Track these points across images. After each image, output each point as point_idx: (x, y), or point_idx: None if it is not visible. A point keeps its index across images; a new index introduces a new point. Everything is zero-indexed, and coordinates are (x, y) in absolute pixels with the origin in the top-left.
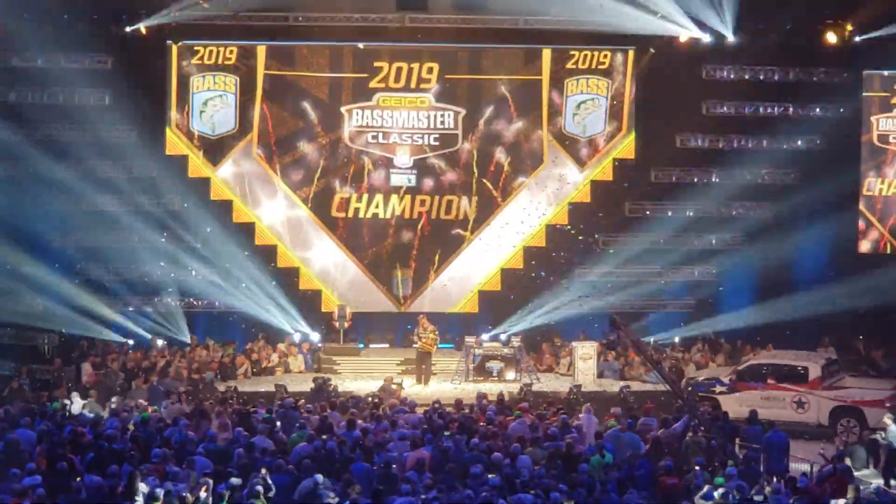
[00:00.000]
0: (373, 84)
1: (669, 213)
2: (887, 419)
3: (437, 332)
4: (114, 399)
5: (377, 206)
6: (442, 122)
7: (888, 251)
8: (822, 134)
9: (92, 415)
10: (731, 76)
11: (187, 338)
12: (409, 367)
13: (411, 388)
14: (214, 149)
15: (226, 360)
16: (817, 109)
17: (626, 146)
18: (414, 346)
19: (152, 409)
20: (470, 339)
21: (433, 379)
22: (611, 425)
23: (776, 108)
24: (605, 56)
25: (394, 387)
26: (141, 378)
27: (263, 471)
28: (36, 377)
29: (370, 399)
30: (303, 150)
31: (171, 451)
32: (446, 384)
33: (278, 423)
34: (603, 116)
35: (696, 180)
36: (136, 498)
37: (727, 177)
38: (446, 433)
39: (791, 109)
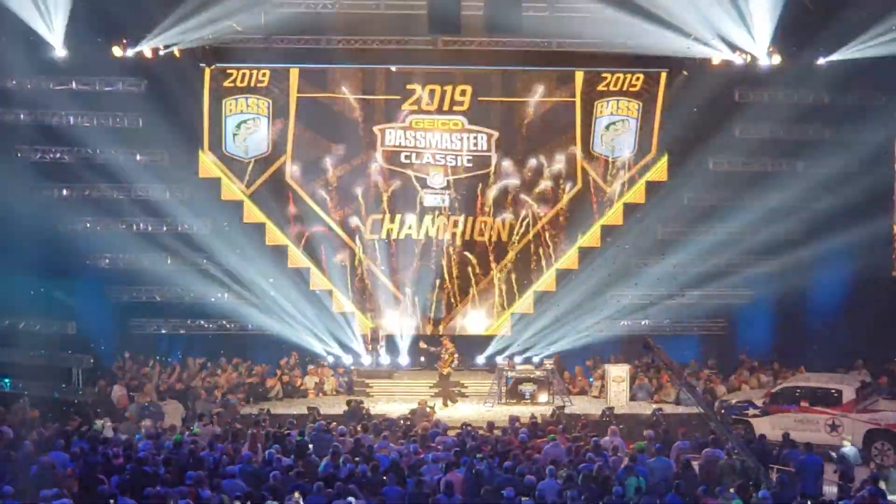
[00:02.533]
0: (405, 106)
1: (702, 236)
2: None
3: (454, 354)
4: (146, 421)
5: (410, 228)
6: (475, 144)
7: None
8: (856, 157)
9: (125, 437)
10: (765, 99)
11: (219, 360)
12: (440, 390)
13: (441, 410)
14: (247, 172)
15: (253, 381)
16: (852, 132)
17: (658, 169)
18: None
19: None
20: (502, 362)
21: (465, 401)
22: (639, 447)
23: (810, 131)
24: (637, 78)
25: (427, 409)
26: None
27: (296, 494)
28: (66, 399)
29: (402, 421)
30: (335, 172)
31: (206, 474)
32: (479, 406)
33: (310, 446)
34: (632, 138)
35: (728, 203)
36: None
37: (760, 200)
38: (478, 455)
39: (826, 132)
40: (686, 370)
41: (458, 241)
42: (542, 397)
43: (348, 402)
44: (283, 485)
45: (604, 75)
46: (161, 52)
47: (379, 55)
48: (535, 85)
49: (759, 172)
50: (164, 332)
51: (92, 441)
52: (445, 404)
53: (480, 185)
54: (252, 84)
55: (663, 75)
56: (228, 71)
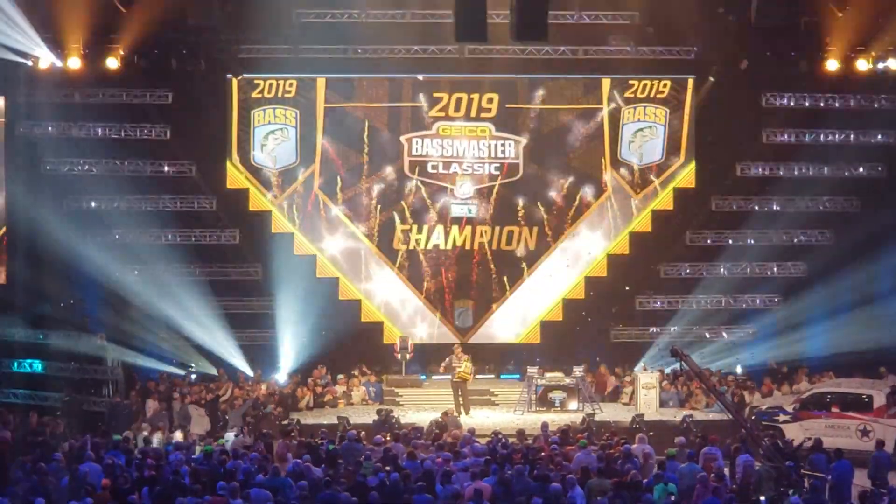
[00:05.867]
0: (433, 113)
1: (730, 242)
2: None
3: (471, 361)
4: (177, 433)
5: (438, 238)
6: (503, 152)
7: None
8: (883, 161)
9: (157, 447)
10: (792, 104)
11: (250, 370)
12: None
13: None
14: (276, 182)
15: (286, 392)
16: (879, 136)
17: (686, 175)
18: (447, 376)
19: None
20: (532, 370)
21: (496, 409)
22: (670, 454)
23: (837, 136)
24: (665, 85)
25: (456, 417)
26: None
27: None
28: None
29: (434, 429)
30: (363, 182)
31: (236, 484)
32: (509, 415)
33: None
34: (660, 144)
35: (756, 209)
36: None
37: (788, 205)
38: (507, 463)
39: (852, 136)
40: (715, 377)
41: (487, 250)
42: (572, 405)
43: (378, 412)
44: (311, 494)
45: (631, 82)
46: (188, 59)
47: (406, 64)
48: (563, 92)
49: (786, 177)
50: (193, 342)
51: (124, 452)
52: (460, 412)
53: (508, 192)
54: (279, 94)
55: (690, 81)
56: (256, 81)
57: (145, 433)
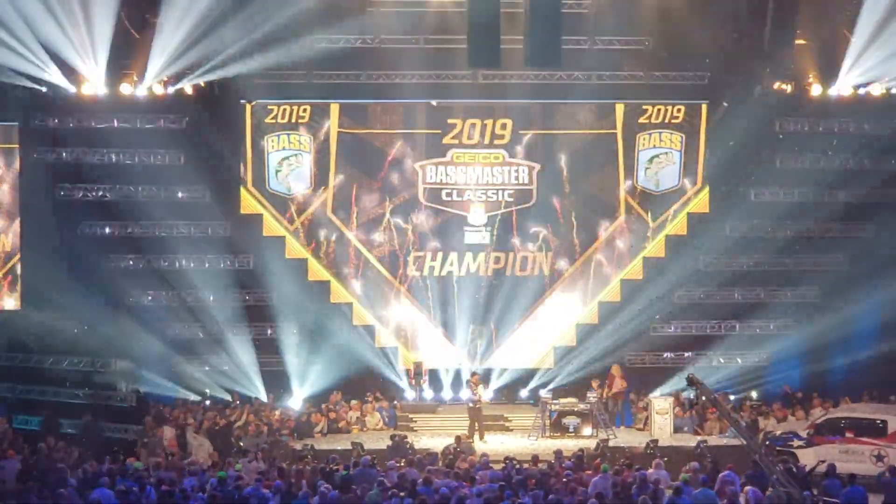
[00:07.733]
0: (446, 140)
1: (745, 267)
2: None
3: (485, 387)
4: (190, 459)
5: (452, 265)
6: (516, 178)
7: None
8: None
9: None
10: (805, 129)
11: (264, 396)
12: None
13: (475, 444)
14: (289, 208)
15: (302, 418)
16: (893, 161)
17: (700, 200)
18: (462, 401)
19: None
20: (546, 395)
21: (509, 435)
22: (684, 479)
23: (851, 161)
24: (679, 110)
25: (470, 443)
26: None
27: None
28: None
29: (448, 456)
30: (377, 208)
31: None
32: (523, 440)
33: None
34: (677, 170)
35: (770, 234)
36: None
37: (802, 230)
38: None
39: (865, 161)
40: (731, 404)
41: (501, 276)
42: (586, 430)
43: (392, 437)
44: None
45: (645, 107)
46: (202, 85)
47: (419, 90)
48: (576, 117)
49: (800, 203)
50: (207, 368)
51: (137, 479)
52: (482, 438)
53: (522, 219)
54: (293, 120)
55: (704, 107)
56: (269, 107)
57: (157, 459)
